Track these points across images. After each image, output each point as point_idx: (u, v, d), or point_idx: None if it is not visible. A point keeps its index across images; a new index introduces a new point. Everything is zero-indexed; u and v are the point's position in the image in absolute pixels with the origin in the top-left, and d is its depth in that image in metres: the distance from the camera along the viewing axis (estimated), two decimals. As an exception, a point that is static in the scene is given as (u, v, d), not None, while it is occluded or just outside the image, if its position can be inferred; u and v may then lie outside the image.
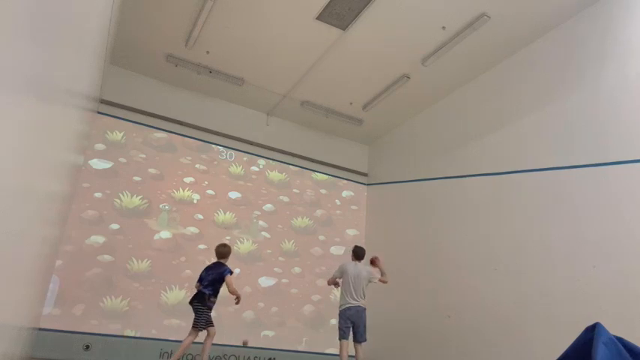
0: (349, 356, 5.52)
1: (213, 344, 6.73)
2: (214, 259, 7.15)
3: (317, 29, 6.14)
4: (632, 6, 5.00)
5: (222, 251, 5.51)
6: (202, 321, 5.13)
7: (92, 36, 3.77)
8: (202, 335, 5.21)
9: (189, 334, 5.17)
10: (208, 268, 5.44)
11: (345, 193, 8.89)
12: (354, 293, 5.62)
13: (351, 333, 5.59)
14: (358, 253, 5.93)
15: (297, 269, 7.89)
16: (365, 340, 5.62)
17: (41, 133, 2.29)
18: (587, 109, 5.20)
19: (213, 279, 5.27)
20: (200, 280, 5.34)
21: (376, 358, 7.56)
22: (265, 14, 6.01)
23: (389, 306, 7.40)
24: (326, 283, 6.24)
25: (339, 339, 5.55)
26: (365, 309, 5.65)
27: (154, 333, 6.49)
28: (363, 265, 5.90)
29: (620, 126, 4.81)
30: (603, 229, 4.69)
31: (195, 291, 5.34)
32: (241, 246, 7.54)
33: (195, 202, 7.37)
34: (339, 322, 5.64)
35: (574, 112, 5.35)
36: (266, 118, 8.47)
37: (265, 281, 7.53)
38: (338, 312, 5.72)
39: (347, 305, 5.62)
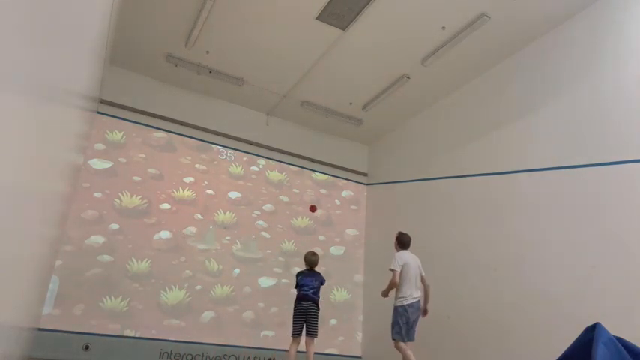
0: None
1: (214, 344, 6.79)
2: (214, 260, 7.21)
3: (317, 29, 6.14)
4: (632, 6, 5.00)
5: (315, 260, 5.65)
6: (317, 326, 5.28)
7: (92, 36, 3.77)
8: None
9: (294, 342, 5.25)
10: (306, 275, 5.52)
11: (345, 193, 8.89)
12: (414, 285, 5.00)
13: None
14: (406, 241, 5.32)
15: (297, 269, 7.87)
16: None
17: (41, 133, 2.29)
18: (587, 109, 5.20)
19: (318, 286, 5.44)
20: (301, 286, 5.42)
21: (375, 358, 7.56)
22: (265, 14, 6.01)
23: (388, 306, 7.40)
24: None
25: (399, 340, 4.87)
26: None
27: (153, 333, 6.49)
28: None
29: (620, 126, 4.81)
30: (603, 229, 4.69)
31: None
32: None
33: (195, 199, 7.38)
34: (399, 320, 4.92)
35: (574, 112, 5.35)
36: (266, 118, 8.47)
37: (265, 281, 7.53)
38: (393, 308, 5.05)
39: (411, 300, 4.91)
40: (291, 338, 5.39)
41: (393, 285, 5.12)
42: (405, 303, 5.00)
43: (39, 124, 2.15)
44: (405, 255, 5.27)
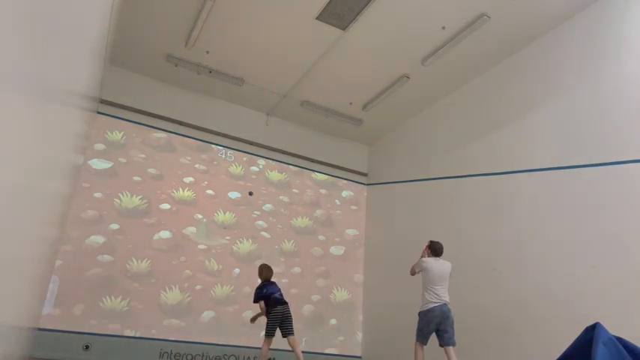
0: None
1: (214, 344, 6.79)
2: (214, 259, 7.21)
3: (317, 29, 6.14)
4: (632, 6, 5.00)
5: (271, 274, 5.79)
6: (292, 325, 5.43)
7: (92, 36, 3.77)
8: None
9: (267, 342, 5.41)
10: (270, 285, 5.65)
11: (344, 193, 8.89)
12: (437, 291, 5.01)
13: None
14: (437, 249, 5.30)
15: (297, 269, 7.89)
16: (455, 344, 4.94)
17: (41, 133, 2.29)
18: (587, 109, 5.20)
19: (281, 293, 5.63)
20: (271, 293, 5.55)
21: (375, 358, 7.56)
22: (265, 14, 6.01)
23: (388, 305, 7.41)
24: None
25: (419, 343, 4.98)
26: (450, 308, 5.05)
27: (153, 333, 6.49)
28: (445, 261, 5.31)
29: (620, 126, 4.81)
30: (603, 229, 4.69)
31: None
32: (241, 246, 7.54)
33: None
34: (418, 324, 5.04)
35: (574, 112, 5.35)
36: (266, 118, 8.47)
37: (265, 281, 7.53)
38: (418, 313, 5.11)
39: (431, 305, 4.97)
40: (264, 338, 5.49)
41: (410, 272, 5.36)
42: (424, 309, 5.02)
43: (39, 124, 2.15)
44: (431, 262, 5.17)
